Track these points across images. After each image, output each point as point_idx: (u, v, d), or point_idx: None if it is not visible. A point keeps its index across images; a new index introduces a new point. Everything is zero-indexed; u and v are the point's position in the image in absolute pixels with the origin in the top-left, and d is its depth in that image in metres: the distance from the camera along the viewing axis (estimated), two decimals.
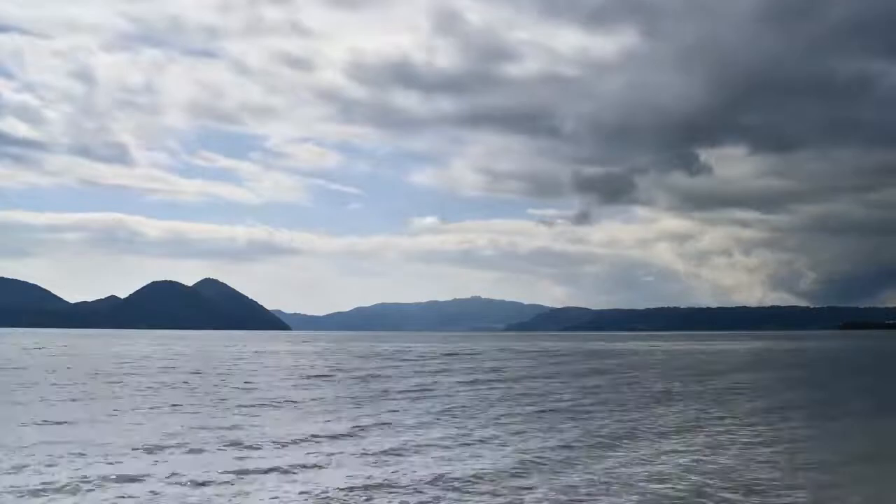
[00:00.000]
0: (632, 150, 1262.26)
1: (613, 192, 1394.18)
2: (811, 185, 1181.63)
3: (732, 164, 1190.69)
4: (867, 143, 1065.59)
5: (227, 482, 18.32)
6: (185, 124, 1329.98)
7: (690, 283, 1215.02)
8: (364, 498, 17.05)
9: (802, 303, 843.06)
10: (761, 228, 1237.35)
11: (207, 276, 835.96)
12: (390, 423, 28.29)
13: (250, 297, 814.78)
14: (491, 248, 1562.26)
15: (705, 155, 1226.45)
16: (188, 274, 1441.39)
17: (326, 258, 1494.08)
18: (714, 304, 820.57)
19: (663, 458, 21.94)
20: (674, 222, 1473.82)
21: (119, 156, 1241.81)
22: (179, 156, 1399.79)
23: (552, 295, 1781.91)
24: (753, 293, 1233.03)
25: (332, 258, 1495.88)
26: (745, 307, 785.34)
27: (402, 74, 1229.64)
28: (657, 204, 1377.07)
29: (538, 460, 21.25)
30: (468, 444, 23.81)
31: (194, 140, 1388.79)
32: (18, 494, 16.99)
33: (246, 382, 47.89)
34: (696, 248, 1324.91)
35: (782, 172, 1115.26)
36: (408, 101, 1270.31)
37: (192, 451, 22.19)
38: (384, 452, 22.20)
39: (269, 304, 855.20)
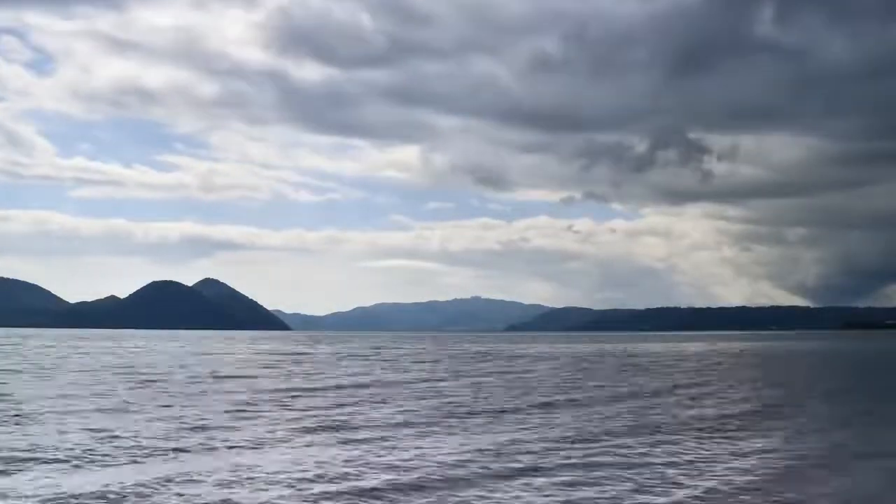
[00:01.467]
0: (604, 132, 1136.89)
1: (593, 182, 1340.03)
2: (811, 179, 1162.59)
3: (729, 154, 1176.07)
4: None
5: None
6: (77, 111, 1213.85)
7: (690, 283, 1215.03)
8: None
9: (803, 302, 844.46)
10: (761, 225, 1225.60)
11: (208, 276, 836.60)
12: None
13: (250, 296, 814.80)
14: (476, 246, 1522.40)
15: (699, 143, 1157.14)
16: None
17: (310, 256, 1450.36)
18: (715, 305, 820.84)
19: None
20: (667, 219, 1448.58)
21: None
22: (97, 147, 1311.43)
23: (553, 295, 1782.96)
24: (754, 292, 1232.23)
25: (314, 256, 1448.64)
26: (745, 307, 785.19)
27: (307, 44, 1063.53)
28: (643, 200, 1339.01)
29: None
30: None
31: (103, 130, 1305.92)
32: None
33: None
34: (695, 247, 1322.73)
35: (782, 165, 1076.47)
36: (320, 76, 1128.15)
37: None
38: None
39: (269, 303, 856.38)
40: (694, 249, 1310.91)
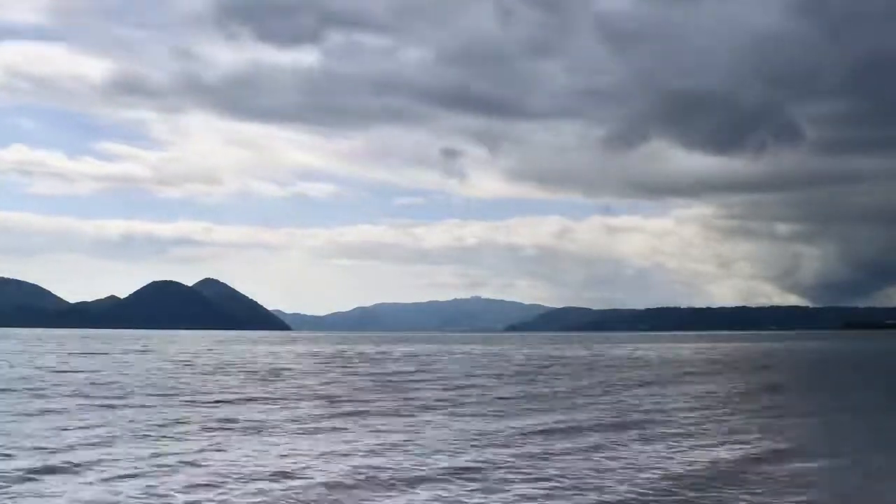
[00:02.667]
0: (575, 116, 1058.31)
1: (566, 173, 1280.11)
2: (812, 176, 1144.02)
3: (734, 148, 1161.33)
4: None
5: None
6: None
7: (690, 283, 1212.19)
8: None
9: (803, 302, 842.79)
10: (760, 222, 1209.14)
11: (208, 276, 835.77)
12: None
13: (250, 296, 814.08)
14: (456, 244, 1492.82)
15: (699, 135, 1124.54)
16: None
17: (274, 252, 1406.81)
18: (715, 305, 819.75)
19: None
20: (656, 216, 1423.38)
21: None
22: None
23: (550, 295, 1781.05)
24: (754, 292, 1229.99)
25: (279, 252, 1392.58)
26: (744, 307, 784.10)
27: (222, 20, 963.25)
28: (625, 194, 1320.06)
29: None
30: None
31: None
32: None
33: None
34: (693, 246, 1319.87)
35: (785, 161, 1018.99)
36: (240, 56, 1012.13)
37: None
38: None
39: (269, 303, 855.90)
40: (687, 247, 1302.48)
